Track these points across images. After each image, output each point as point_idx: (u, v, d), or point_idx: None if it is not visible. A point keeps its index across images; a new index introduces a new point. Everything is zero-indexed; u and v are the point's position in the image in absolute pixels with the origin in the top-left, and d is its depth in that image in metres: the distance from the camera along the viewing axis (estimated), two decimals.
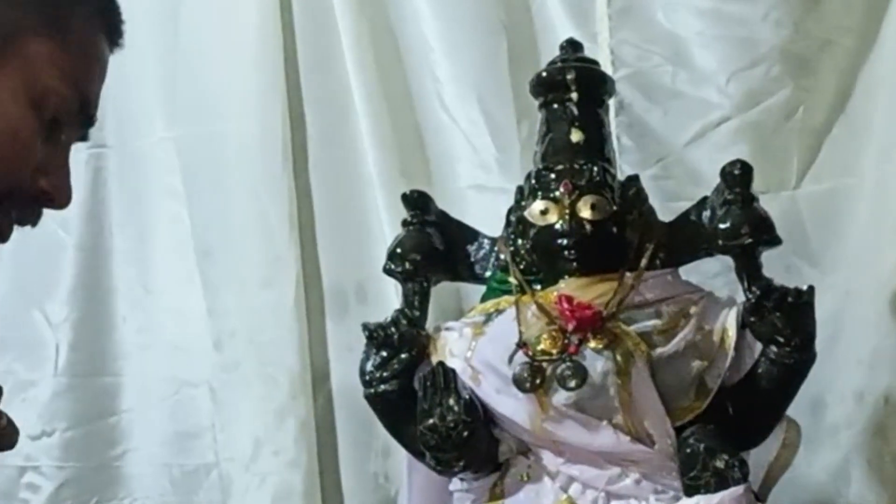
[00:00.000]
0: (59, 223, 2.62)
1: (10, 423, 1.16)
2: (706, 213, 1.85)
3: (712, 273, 2.02)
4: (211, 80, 2.51)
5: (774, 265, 1.86)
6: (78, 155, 2.69)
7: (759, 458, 1.82)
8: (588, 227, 1.79)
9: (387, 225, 2.35)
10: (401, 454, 1.95)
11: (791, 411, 1.83)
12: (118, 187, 2.63)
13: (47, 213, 2.85)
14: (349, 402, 2.38)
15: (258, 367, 2.47)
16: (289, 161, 2.47)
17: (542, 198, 1.82)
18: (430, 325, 1.94)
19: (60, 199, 1.19)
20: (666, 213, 1.94)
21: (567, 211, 1.80)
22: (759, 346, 1.79)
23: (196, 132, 2.52)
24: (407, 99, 2.44)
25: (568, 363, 1.73)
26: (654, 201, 1.94)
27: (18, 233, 2.80)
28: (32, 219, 1.22)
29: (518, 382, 1.74)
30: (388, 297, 2.29)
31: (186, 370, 2.56)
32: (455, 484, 1.86)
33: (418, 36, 2.43)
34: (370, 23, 2.44)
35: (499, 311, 1.85)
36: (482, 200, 2.34)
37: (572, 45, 1.96)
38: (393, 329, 1.87)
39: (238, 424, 2.49)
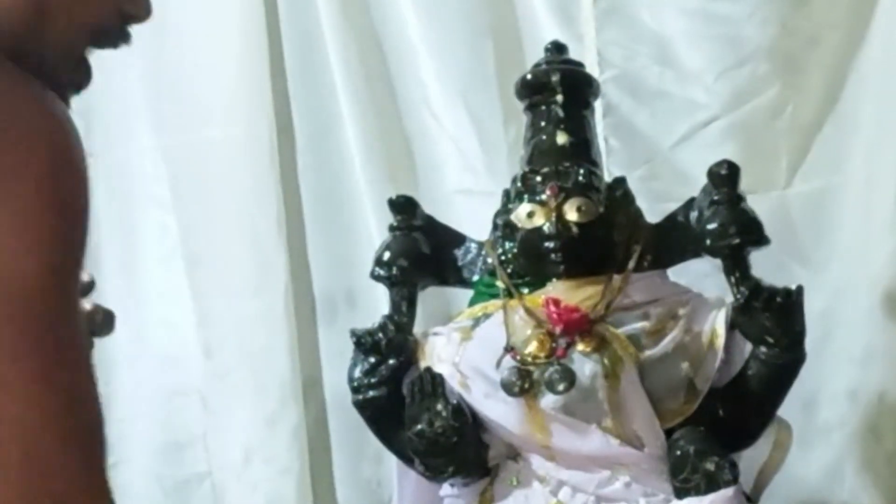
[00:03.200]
0: None
1: (106, 313, 1.14)
2: (694, 214, 1.84)
3: (702, 274, 2.01)
4: (197, 87, 2.50)
5: (765, 264, 1.85)
6: None
7: (751, 459, 1.81)
8: (575, 229, 1.78)
9: (375, 230, 2.34)
10: (393, 460, 1.94)
11: (783, 411, 1.82)
12: (105, 196, 2.61)
13: None
14: (341, 409, 2.36)
15: (249, 374, 2.46)
16: (276, 168, 2.46)
17: (529, 201, 1.82)
18: (419, 330, 1.93)
19: (141, 13, 1.16)
20: (654, 213, 1.93)
21: (553, 214, 1.79)
22: (748, 347, 1.78)
23: (183, 140, 2.51)
24: (393, 104, 2.44)
25: (556, 367, 1.72)
26: (642, 202, 1.93)
27: None
28: (125, 39, 1.18)
29: (506, 387, 1.73)
30: (378, 303, 2.27)
31: (177, 379, 2.55)
32: (445, 489, 1.85)
33: (404, 40, 2.42)
34: (356, 28, 2.43)
35: (486, 316, 1.84)
36: (470, 204, 2.33)
37: (557, 48, 1.96)
38: (381, 335, 1.87)
39: (229, 433, 2.48)
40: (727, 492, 1.66)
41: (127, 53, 2.79)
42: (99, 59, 2.84)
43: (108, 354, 2.63)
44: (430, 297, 2.06)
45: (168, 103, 2.52)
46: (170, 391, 2.56)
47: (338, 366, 2.31)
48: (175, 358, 2.55)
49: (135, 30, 2.76)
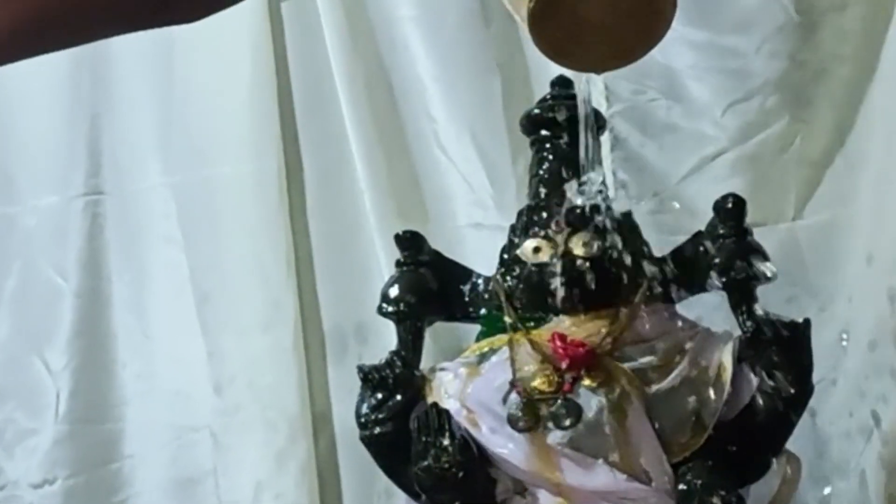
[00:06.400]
0: (57, 270, 2.63)
1: None
2: (700, 248, 1.83)
3: (712, 306, 2.00)
4: (206, 124, 2.51)
5: (774, 297, 1.85)
6: (75, 202, 2.74)
7: (760, 493, 1.80)
8: (581, 263, 1.78)
9: (384, 266, 2.34)
10: (403, 496, 1.93)
11: (797, 447, 1.81)
12: (115, 234, 2.63)
13: (45, 261, 2.88)
14: (351, 444, 2.36)
15: (258, 410, 2.46)
16: (285, 204, 2.47)
17: (535, 236, 1.81)
18: (430, 366, 1.92)
19: None
20: (663, 247, 1.92)
21: (560, 248, 1.78)
22: (756, 381, 1.77)
23: (192, 177, 2.53)
24: (402, 139, 2.45)
25: (562, 402, 1.70)
26: (651, 235, 1.92)
27: (16, 281, 2.83)
28: None
29: (512, 422, 1.72)
30: (388, 338, 2.26)
31: (187, 415, 2.56)
32: None
33: (413, 76, 2.43)
34: (364, 64, 2.44)
35: (493, 351, 1.83)
36: (480, 239, 2.33)
37: (563, 83, 1.95)
38: (388, 371, 1.86)
39: (239, 469, 2.48)
40: None
41: (135, 92, 2.82)
42: (107, 97, 2.86)
43: (119, 391, 2.64)
44: (442, 333, 2.06)
45: (177, 141, 2.54)
46: (180, 427, 2.57)
47: (347, 402, 2.30)
48: (185, 394, 2.56)
49: (143, 68, 2.79)
